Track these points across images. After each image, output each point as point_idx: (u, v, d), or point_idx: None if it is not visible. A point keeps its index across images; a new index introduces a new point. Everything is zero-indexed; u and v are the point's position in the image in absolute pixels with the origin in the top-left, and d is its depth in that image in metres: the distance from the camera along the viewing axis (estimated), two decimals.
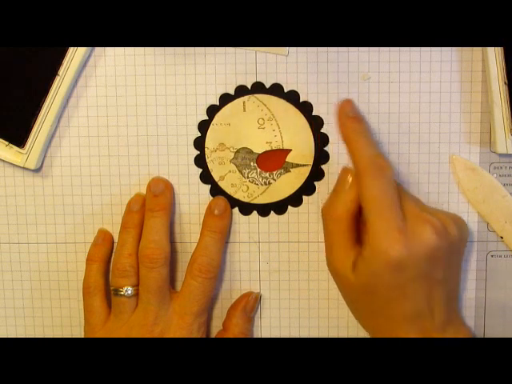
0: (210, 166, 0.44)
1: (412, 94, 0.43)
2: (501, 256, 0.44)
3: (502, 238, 0.44)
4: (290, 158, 0.44)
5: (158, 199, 0.43)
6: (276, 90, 0.43)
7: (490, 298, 0.45)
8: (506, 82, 0.41)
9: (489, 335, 0.45)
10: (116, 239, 0.45)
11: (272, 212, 0.45)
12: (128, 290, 0.43)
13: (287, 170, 0.44)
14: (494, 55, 0.41)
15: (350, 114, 0.41)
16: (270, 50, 0.43)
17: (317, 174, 0.44)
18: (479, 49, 0.42)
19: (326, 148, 0.44)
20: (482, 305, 0.45)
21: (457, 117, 0.43)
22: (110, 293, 0.44)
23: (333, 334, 0.45)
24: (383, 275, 0.38)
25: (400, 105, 0.43)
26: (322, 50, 0.43)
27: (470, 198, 0.44)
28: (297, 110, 0.44)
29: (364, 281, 0.39)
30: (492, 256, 0.44)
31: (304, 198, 0.44)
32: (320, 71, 0.43)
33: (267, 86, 0.43)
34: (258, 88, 0.44)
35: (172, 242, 0.45)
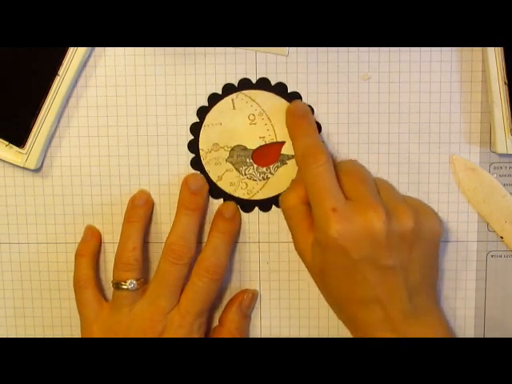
0: (206, 167, 0.44)
1: (412, 94, 0.43)
2: (501, 256, 0.44)
3: (501, 238, 0.44)
4: (285, 150, 0.44)
5: (195, 197, 0.43)
6: (263, 84, 0.43)
7: (489, 297, 0.45)
8: (506, 82, 0.41)
9: (489, 335, 0.45)
10: (113, 239, 0.45)
11: (273, 207, 0.45)
12: (132, 284, 0.42)
13: (284, 163, 0.44)
14: (494, 55, 0.41)
15: (296, 114, 0.43)
16: (269, 50, 0.43)
17: None
18: (479, 49, 0.42)
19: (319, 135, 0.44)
20: (482, 305, 0.45)
21: (457, 117, 0.43)
22: (101, 286, 0.45)
23: (333, 333, 0.45)
24: (330, 257, 0.40)
25: (400, 105, 0.43)
26: (322, 50, 0.43)
27: (470, 198, 0.44)
28: (286, 102, 0.44)
29: (318, 263, 0.41)
30: (492, 256, 0.44)
31: None
32: (320, 71, 0.43)
33: (254, 81, 0.43)
34: (245, 84, 0.44)
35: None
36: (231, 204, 0.44)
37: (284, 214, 0.43)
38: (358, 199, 0.40)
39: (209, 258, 0.43)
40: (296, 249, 0.43)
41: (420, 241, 0.40)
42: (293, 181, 0.44)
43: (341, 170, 0.41)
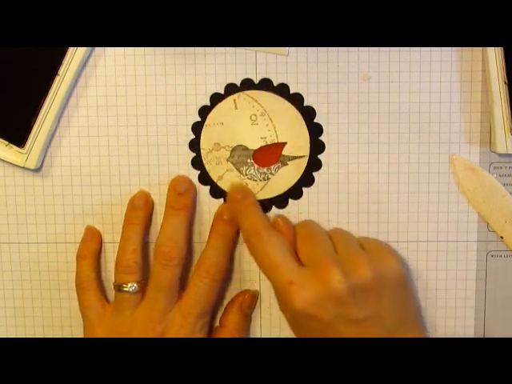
0: (207, 167, 0.44)
1: (412, 94, 0.43)
2: (501, 256, 0.44)
3: (502, 237, 0.44)
4: (285, 151, 0.44)
5: (181, 198, 0.43)
6: (265, 84, 0.43)
7: (489, 298, 0.45)
8: (506, 81, 0.41)
9: (489, 335, 0.45)
10: (114, 239, 0.45)
11: (273, 207, 0.45)
12: (132, 287, 0.43)
13: (284, 164, 0.44)
14: (494, 55, 0.41)
15: (235, 199, 0.43)
16: (269, 50, 0.43)
17: (314, 164, 0.44)
18: (479, 49, 0.42)
19: (320, 138, 0.44)
20: (482, 305, 0.45)
21: (457, 117, 0.43)
22: (103, 287, 0.45)
23: None
24: (302, 324, 0.40)
25: (400, 105, 0.43)
26: (322, 50, 0.43)
27: (469, 198, 0.44)
28: (288, 103, 0.44)
29: (294, 328, 0.42)
30: (492, 256, 0.44)
31: (304, 189, 0.44)
32: (320, 71, 0.43)
33: (256, 81, 0.43)
34: (248, 84, 0.44)
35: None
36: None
37: None
38: (313, 264, 0.40)
39: (209, 258, 0.43)
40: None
41: (385, 286, 0.40)
42: None
43: (296, 235, 0.42)
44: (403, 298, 0.41)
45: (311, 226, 0.43)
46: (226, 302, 0.46)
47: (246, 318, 0.45)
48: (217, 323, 0.46)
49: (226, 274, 0.45)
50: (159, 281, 0.42)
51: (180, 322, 0.42)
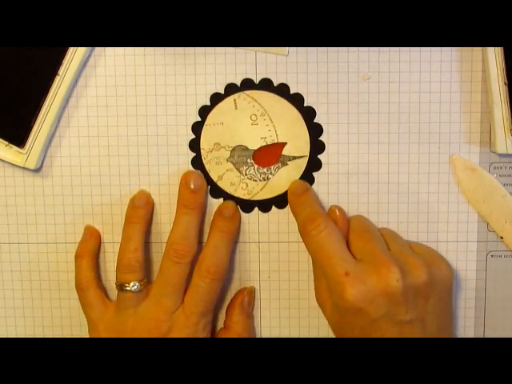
0: (207, 166, 0.44)
1: (412, 94, 0.43)
2: (501, 256, 0.44)
3: (501, 238, 0.44)
4: (286, 151, 0.44)
5: (194, 196, 0.43)
6: (265, 84, 0.43)
7: (489, 297, 0.45)
8: (506, 82, 0.41)
9: (489, 335, 0.45)
10: (114, 239, 0.45)
11: (273, 207, 0.45)
12: (134, 286, 0.43)
13: (284, 164, 0.44)
14: (494, 55, 0.41)
15: (296, 193, 0.43)
16: (269, 50, 0.43)
17: (314, 164, 0.44)
18: (479, 49, 0.42)
19: (320, 138, 0.44)
20: (482, 305, 0.45)
21: (457, 117, 0.43)
22: (103, 286, 0.45)
23: (332, 333, 0.45)
24: (348, 318, 0.40)
25: (400, 105, 0.43)
26: (322, 50, 0.43)
27: (469, 198, 0.44)
28: (288, 103, 0.44)
29: (335, 321, 0.41)
30: (492, 256, 0.44)
31: None
32: (320, 71, 0.43)
33: (256, 81, 0.43)
34: (248, 84, 0.44)
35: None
36: (230, 203, 0.44)
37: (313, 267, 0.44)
38: (370, 259, 0.40)
39: (209, 257, 0.43)
40: (316, 299, 0.44)
41: (434, 291, 0.40)
42: None
43: (350, 228, 0.42)
44: (446, 304, 0.42)
45: (365, 221, 0.44)
46: (226, 302, 0.46)
47: (250, 317, 0.45)
48: (218, 323, 0.46)
49: (227, 272, 0.45)
50: (169, 278, 0.42)
51: (184, 322, 0.42)
